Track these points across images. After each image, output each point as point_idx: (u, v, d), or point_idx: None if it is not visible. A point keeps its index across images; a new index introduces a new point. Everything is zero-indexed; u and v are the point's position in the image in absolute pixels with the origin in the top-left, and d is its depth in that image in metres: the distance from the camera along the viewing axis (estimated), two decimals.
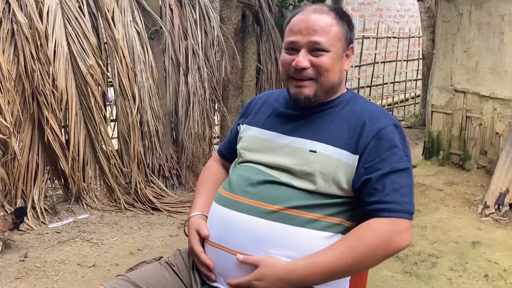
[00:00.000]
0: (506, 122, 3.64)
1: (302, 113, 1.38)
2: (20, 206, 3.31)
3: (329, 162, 1.28)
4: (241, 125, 1.52)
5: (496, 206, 3.33)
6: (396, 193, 1.23)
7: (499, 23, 3.58)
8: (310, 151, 1.31)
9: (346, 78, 6.92)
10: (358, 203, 1.31)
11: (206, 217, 1.43)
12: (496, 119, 3.72)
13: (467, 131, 3.94)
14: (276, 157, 1.35)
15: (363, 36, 6.95)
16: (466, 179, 3.84)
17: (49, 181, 3.75)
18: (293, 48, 1.32)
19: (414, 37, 7.77)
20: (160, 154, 3.97)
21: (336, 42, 1.32)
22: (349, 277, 1.34)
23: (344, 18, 1.38)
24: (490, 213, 3.32)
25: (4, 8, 3.23)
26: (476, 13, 3.72)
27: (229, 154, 1.60)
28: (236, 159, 1.48)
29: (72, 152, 3.60)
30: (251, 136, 1.44)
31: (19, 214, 2.92)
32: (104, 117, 3.74)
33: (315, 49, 1.30)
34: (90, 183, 3.79)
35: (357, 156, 1.28)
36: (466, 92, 3.89)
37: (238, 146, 1.48)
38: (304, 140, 1.34)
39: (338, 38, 1.33)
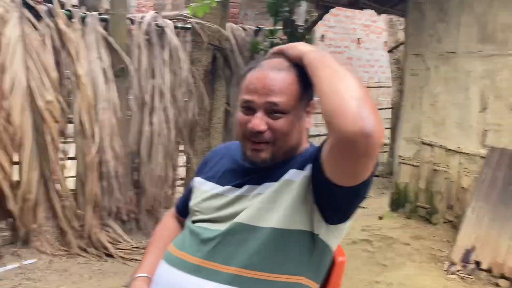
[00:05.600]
0: (472, 177, 3.64)
1: (260, 168, 1.27)
2: None
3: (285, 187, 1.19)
4: (196, 178, 1.41)
5: (462, 264, 3.25)
6: None
7: (465, 79, 3.63)
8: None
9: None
10: (323, 253, 1.21)
11: (151, 280, 1.29)
12: (462, 173, 3.71)
13: (434, 184, 3.92)
14: (229, 208, 1.24)
15: None
16: (432, 233, 3.78)
17: None
18: (249, 108, 1.21)
19: (383, 87, 7.91)
20: (118, 197, 3.76)
21: (296, 102, 1.21)
22: None
23: (305, 73, 1.29)
24: (456, 271, 3.23)
25: None
26: (443, 68, 3.78)
27: (186, 210, 1.47)
28: (190, 215, 1.36)
29: (23, 191, 3.37)
30: (205, 192, 1.33)
31: None
32: (61, 156, 3.55)
33: (272, 111, 1.19)
34: (41, 225, 3.54)
35: (304, 169, 1.19)
36: (433, 145, 3.89)
37: (191, 202, 1.36)
38: (257, 186, 1.24)
39: (298, 97, 1.21)
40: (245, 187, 1.25)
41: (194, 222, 1.31)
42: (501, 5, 3.41)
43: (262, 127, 1.18)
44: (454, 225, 3.77)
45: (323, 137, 1.17)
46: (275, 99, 1.17)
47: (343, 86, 1.01)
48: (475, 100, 3.60)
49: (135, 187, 4.01)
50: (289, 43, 1.26)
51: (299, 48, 1.20)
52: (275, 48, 1.28)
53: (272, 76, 1.19)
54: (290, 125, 1.20)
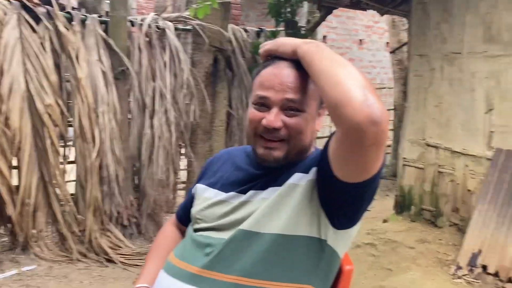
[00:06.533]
0: (478, 180, 3.58)
1: (265, 172, 1.23)
2: None
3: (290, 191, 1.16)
4: (198, 185, 1.36)
5: (469, 268, 3.20)
6: None
7: (470, 80, 3.58)
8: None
9: None
10: (331, 260, 1.16)
11: None
12: (468, 175, 3.65)
13: (439, 186, 3.86)
14: (233, 215, 1.20)
15: None
16: (438, 237, 3.72)
17: None
18: (263, 104, 1.17)
19: (385, 88, 7.86)
20: (119, 201, 3.72)
21: (311, 101, 1.18)
22: None
23: None
24: (463, 275, 3.18)
25: None
26: (448, 69, 3.72)
27: (186, 217, 1.42)
28: (191, 223, 1.32)
29: (22, 196, 3.33)
30: (208, 199, 1.29)
31: None
32: (61, 160, 3.50)
33: (288, 108, 1.15)
34: (40, 231, 3.50)
35: (309, 173, 1.15)
36: (438, 147, 3.83)
37: (192, 210, 1.31)
38: (261, 191, 1.19)
39: (313, 96, 1.18)
40: (250, 193, 1.21)
41: (196, 230, 1.27)
42: (506, 5, 3.35)
43: (278, 123, 1.14)
44: (460, 228, 3.71)
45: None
46: (292, 96, 1.14)
47: (345, 75, 0.98)
48: (481, 101, 3.54)
49: (136, 191, 3.97)
50: (274, 40, 1.21)
51: (289, 43, 1.16)
52: (263, 51, 1.22)
53: (290, 73, 1.15)
54: (305, 124, 1.17)
